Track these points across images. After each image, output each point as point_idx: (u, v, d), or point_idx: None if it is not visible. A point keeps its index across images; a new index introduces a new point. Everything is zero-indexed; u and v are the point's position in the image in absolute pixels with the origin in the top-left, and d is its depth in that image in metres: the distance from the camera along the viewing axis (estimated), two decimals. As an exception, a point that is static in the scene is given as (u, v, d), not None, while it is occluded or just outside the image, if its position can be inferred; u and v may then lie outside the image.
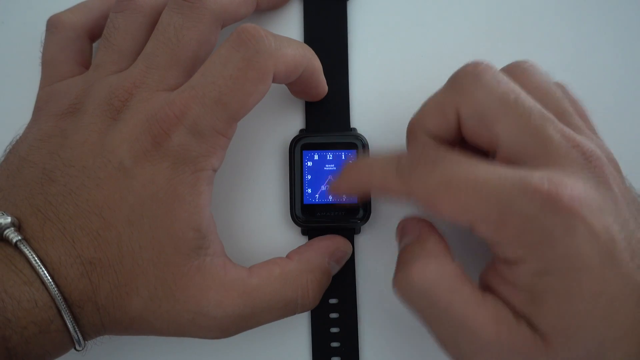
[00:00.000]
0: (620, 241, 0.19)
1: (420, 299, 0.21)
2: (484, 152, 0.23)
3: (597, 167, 0.20)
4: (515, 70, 0.23)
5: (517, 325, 0.20)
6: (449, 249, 0.22)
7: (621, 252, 0.19)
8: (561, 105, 0.22)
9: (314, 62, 0.26)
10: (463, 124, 0.22)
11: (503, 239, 0.19)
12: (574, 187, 0.19)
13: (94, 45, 0.29)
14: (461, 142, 0.24)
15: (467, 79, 0.22)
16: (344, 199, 0.27)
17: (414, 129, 0.24)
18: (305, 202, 0.27)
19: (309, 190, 0.27)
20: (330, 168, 0.27)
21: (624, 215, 0.20)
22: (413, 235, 0.23)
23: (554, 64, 0.27)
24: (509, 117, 0.21)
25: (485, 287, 0.22)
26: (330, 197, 0.27)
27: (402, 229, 0.24)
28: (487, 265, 0.22)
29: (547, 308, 0.19)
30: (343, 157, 0.27)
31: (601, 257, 0.18)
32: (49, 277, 0.21)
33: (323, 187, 0.27)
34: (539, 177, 0.19)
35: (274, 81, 0.24)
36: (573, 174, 0.20)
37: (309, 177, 0.27)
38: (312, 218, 0.27)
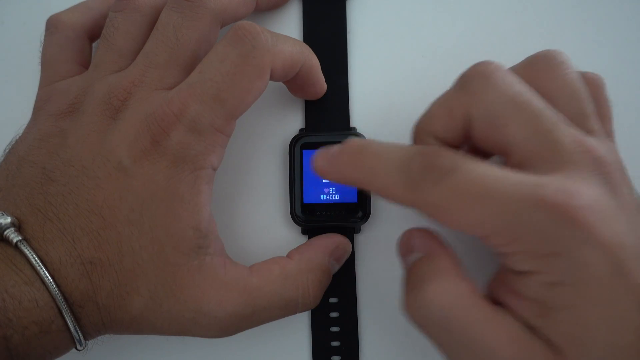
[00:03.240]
0: (630, 248, 0.19)
1: (435, 322, 0.20)
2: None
3: (607, 173, 0.20)
4: (544, 62, 0.23)
5: (532, 342, 0.19)
6: (461, 266, 0.21)
7: (629, 259, 0.18)
8: (581, 106, 0.22)
9: (312, 60, 0.26)
10: (473, 126, 0.21)
11: (515, 251, 0.19)
12: (586, 195, 0.18)
13: (94, 45, 0.29)
14: (468, 146, 0.23)
15: (477, 79, 0.21)
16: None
17: (421, 132, 0.23)
18: (305, 201, 0.27)
19: (309, 190, 0.27)
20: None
21: (633, 221, 0.19)
22: (421, 251, 0.21)
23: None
24: (520, 119, 0.20)
25: (494, 299, 0.21)
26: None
27: (407, 244, 0.22)
28: (495, 276, 0.22)
29: (558, 320, 0.19)
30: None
31: (611, 267, 0.18)
32: (49, 277, 0.21)
33: (323, 179, 0.27)
34: (552, 188, 0.18)
35: (271, 78, 0.24)
36: (584, 180, 0.19)
37: (309, 176, 0.27)
38: (312, 217, 0.27)
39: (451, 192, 0.19)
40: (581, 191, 0.18)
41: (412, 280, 0.21)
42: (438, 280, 0.20)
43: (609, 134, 0.23)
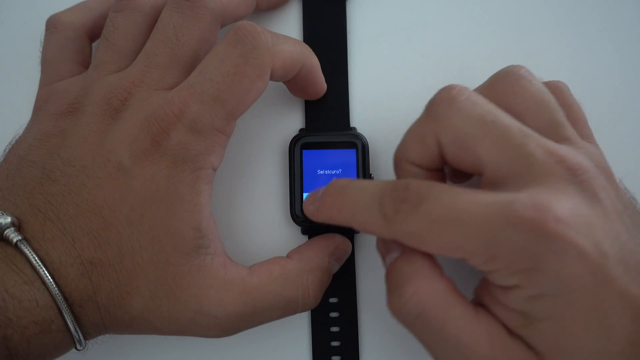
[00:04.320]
0: (613, 256, 0.19)
1: (415, 320, 0.20)
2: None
3: (583, 180, 0.20)
4: (505, 79, 0.23)
5: (511, 342, 0.19)
6: (437, 264, 0.21)
7: (613, 267, 0.19)
8: (553, 116, 0.22)
9: (312, 60, 0.26)
10: (444, 150, 0.21)
11: (494, 269, 0.19)
12: (560, 208, 0.18)
13: (94, 45, 0.29)
14: (449, 167, 0.23)
15: (442, 105, 0.21)
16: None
17: (399, 161, 0.23)
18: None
19: (309, 190, 0.27)
20: (329, 171, 0.27)
21: (616, 227, 0.19)
22: (397, 251, 0.22)
23: (554, 65, 0.27)
24: (489, 138, 0.20)
25: (479, 303, 0.21)
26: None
27: (385, 245, 0.22)
28: (480, 284, 0.22)
29: (541, 330, 0.19)
30: (343, 156, 0.27)
31: (594, 275, 0.18)
32: (49, 277, 0.21)
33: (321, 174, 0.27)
34: (523, 204, 0.18)
35: (271, 78, 0.24)
36: (559, 191, 0.19)
37: (309, 176, 0.27)
38: (312, 217, 0.27)
39: (424, 221, 0.19)
40: (553, 204, 0.18)
41: (391, 281, 0.21)
42: (414, 280, 0.20)
43: (587, 136, 0.23)
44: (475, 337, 0.19)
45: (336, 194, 0.22)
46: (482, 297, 0.21)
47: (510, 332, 0.20)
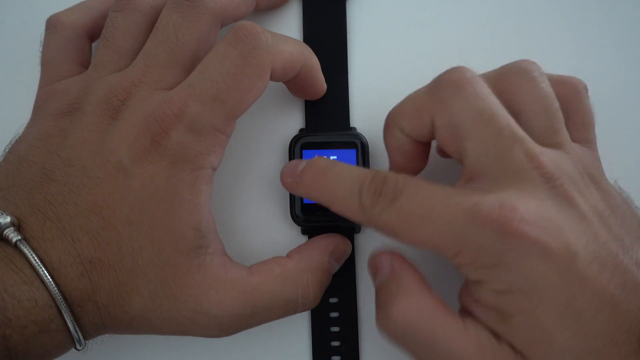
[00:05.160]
0: (585, 255, 0.19)
1: (404, 338, 0.21)
2: None
3: (557, 186, 0.20)
4: (516, 75, 0.23)
5: (499, 348, 0.20)
6: (424, 281, 0.22)
7: (586, 266, 0.19)
8: (551, 122, 0.22)
9: (312, 60, 0.26)
10: (436, 131, 0.22)
11: (462, 264, 0.20)
12: (525, 209, 0.19)
13: (94, 45, 0.29)
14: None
15: (448, 89, 0.22)
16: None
17: (391, 124, 0.24)
18: (305, 201, 0.27)
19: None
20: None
21: (593, 229, 0.20)
22: (386, 271, 0.22)
23: (554, 63, 0.27)
24: (479, 134, 0.21)
25: (463, 308, 0.22)
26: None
27: (374, 265, 0.23)
28: (461, 286, 0.22)
29: (516, 325, 0.19)
30: (343, 156, 0.27)
31: (561, 274, 0.19)
32: (48, 277, 0.21)
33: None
34: (490, 204, 0.19)
35: (271, 78, 0.24)
36: (529, 194, 0.20)
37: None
38: (312, 217, 0.27)
39: (398, 215, 0.20)
40: (520, 206, 0.19)
41: (380, 300, 0.22)
42: (401, 299, 0.21)
43: (586, 140, 0.23)
44: (465, 348, 0.20)
45: (317, 175, 0.23)
46: (464, 298, 0.22)
47: (497, 337, 0.20)
